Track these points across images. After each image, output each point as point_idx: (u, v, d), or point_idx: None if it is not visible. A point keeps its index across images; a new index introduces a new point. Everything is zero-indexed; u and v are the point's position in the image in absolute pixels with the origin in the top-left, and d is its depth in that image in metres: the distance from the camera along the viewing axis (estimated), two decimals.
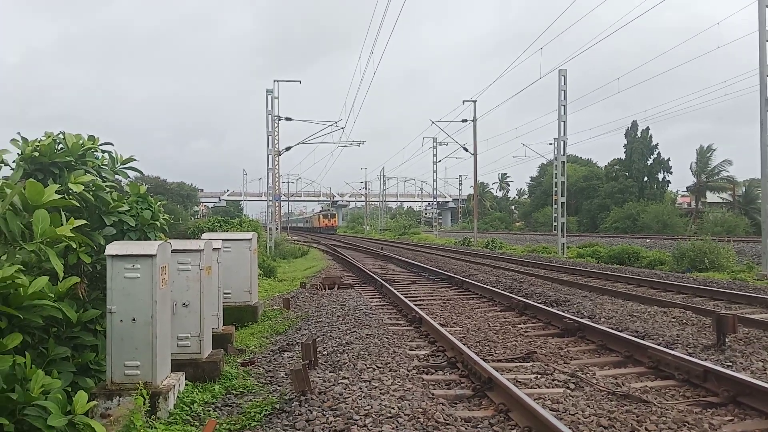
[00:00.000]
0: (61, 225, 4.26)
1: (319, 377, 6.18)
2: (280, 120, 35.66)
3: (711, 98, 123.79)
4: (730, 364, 6.77)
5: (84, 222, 4.67)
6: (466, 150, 45.98)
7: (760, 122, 17.26)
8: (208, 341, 6.98)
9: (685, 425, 4.78)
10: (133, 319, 5.25)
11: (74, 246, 4.84)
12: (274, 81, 34.50)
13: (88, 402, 4.03)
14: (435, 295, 13.98)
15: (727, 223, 51.58)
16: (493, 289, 13.58)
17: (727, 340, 7.78)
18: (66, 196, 5.17)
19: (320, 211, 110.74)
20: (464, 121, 44.59)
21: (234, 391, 6.18)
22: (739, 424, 4.91)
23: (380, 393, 5.53)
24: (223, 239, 9.57)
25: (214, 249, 8.00)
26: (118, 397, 5.10)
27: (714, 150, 69.88)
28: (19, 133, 6.17)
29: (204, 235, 9.98)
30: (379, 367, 6.64)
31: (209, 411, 5.53)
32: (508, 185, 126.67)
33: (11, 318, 3.84)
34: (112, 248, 5.36)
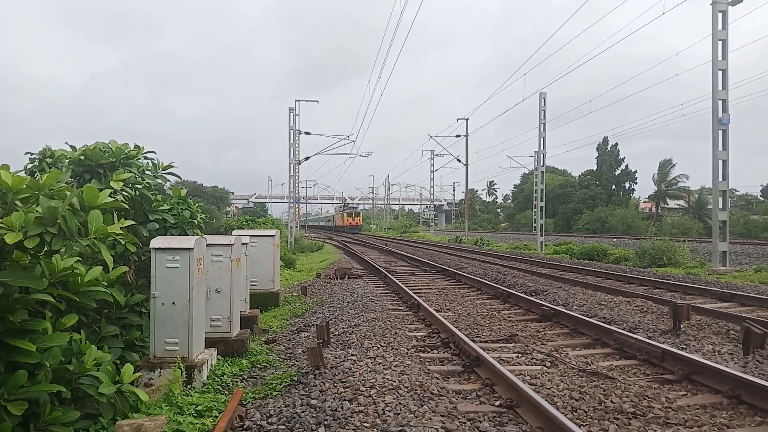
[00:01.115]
0: (113, 224, 4.28)
1: (331, 354, 6.17)
2: (300, 134, 35.66)
3: (671, 118, 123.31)
4: (685, 346, 6.72)
5: (133, 222, 4.69)
6: (459, 161, 45.87)
7: (712, 140, 17.15)
8: (237, 322, 6.99)
9: (645, 399, 4.75)
10: (173, 303, 5.26)
11: (122, 241, 4.86)
12: (296, 100, 34.51)
13: (133, 373, 4.04)
14: (431, 284, 13.94)
15: (683, 226, 51.27)
16: (481, 280, 13.53)
17: (682, 326, 7.73)
18: (117, 199, 5.20)
19: (344, 209, 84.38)
20: (458, 136, 44.56)
21: (258, 365, 6.18)
22: (692, 398, 4.87)
23: (383, 368, 5.52)
24: (250, 235, 9.58)
25: (243, 243, 8.01)
26: (159, 370, 5.11)
27: (674, 164, 69.69)
28: (66, 143, 6.23)
29: (234, 232, 9.99)
30: (383, 346, 6.62)
31: (237, 382, 5.54)
32: (495, 191, 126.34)
33: (69, 301, 3.86)
34: (156, 242, 5.38)
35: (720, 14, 17.24)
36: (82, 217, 4.29)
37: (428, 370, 5.72)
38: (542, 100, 29.46)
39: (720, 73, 17.23)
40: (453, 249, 31.01)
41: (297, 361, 6.21)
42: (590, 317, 8.42)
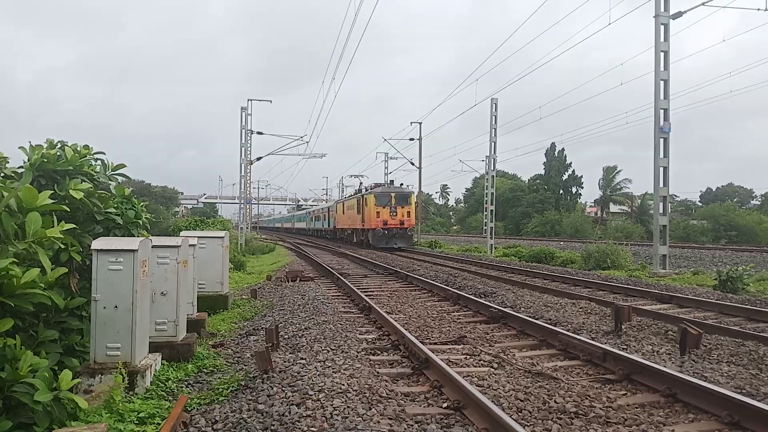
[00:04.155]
0: (53, 227, 4.13)
1: (280, 358, 6.11)
2: (252, 134, 35.24)
3: (617, 126, 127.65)
4: (626, 347, 6.95)
5: (73, 226, 4.52)
6: (413, 164, 45.98)
7: (654, 147, 17.83)
8: (183, 326, 6.83)
9: (587, 398, 4.90)
10: (116, 306, 5.10)
11: (62, 246, 4.69)
12: (248, 100, 34.17)
13: (72, 380, 3.90)
14: (383, 287, 13.98)
15: (626, 230, 53.11)
16: (432, 282, 13.66)
17: (623, 327, 8.00)
18: (66, 201, 5.02)
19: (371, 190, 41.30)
20: (411, 139, 44.59)
21: (205, 370, 6.05)
22: (631, 398, 5.05)
23: (333, 372, 5.50)
24: (199, 237, 9.38)
25: (191, 245, 7.83)
26: (100, 375, 4.94)
27: (618, 170, 72.22)
28: (30, 142, 5.98)
29: (182, 233, 9.79)
30: (333, 349, 6.60)
31: (182, 387, 5.41)
32: (448, 195, 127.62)
33: (3, 305, 3.69)
34: (97, 243, 5.21)
35: (662, 27, 17.95)
36: (20, 219, 4.12)
37: (378, 372, 5.73)
38: (493, 105, 29.99)
39: (662, 83, 17.93)
40: (406, 251, 31.17)
41: (245, 366, 6.12)
42: (537, 319, 8.61)
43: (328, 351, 6.52)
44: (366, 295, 10.95)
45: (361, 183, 47.68)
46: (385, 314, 8.62)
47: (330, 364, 5.80)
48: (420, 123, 43.22)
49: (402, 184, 35.40)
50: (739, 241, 44.31)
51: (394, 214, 32.50)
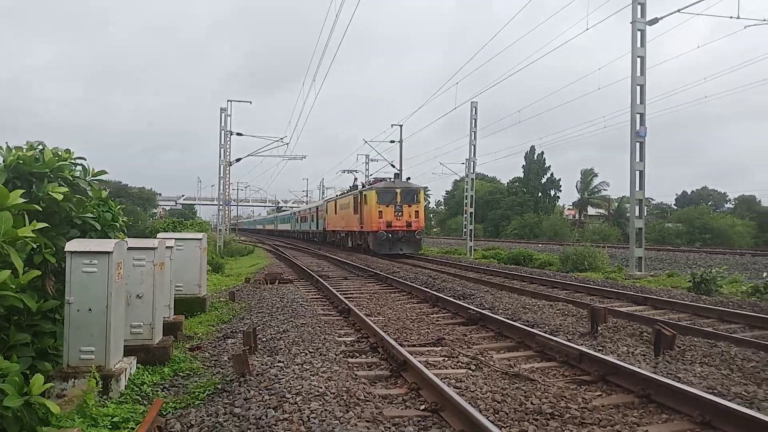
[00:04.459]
0: (24, 227, 4.05)
1: (257, 361, 6.07)
2: (231, 135, 35.03)
3: (595, 130, 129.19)
4: (601, 348, 7.03)
5: (45, 225, 4.44)
6: (393, 166, 45.95)
7: (630, 151, 18.09)
8: (160, 329, 6.74)
9: (563, 399, 4.95)
10: (90, 309, 5.03)
11: (34, 246, 4.60)
12: (228, 101, 34.07)
13: (45, 384, 3.82)
14: (363, 289, 13.97)
15: (603, 233, 53.83)
16: (411, 284, 13.69)
17: (599, 328, 8.09)
18: (40, 203, 4.93)
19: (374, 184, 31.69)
20: (392, 142, 44.64)
21: (181, 374, 5.99)
22: (606, 398, 5.11)
23: (311, 374, 5.48)
24: (176, 238, 9.28)
25: (168, 247, 7.75)
26: (73, 380, 4.86)
27: (595, 174, 73.17)
28: (6, 143, 5.87)
29: (159, 235, 9.69)
30: (311, 352, 6.58)
31: (157, 391, 5.34)
32: (429, 197, 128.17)
33: None
34: (71, 245, 5.13)
35: (639, 33, 18.23)
36: None
37: (356, 375, 5.73)
38: (473, 108, 30.17)
39: (638, 88, 18.20)
40: (387, 254, 31.18)
41: (222, 369, 6.07)
42: (515, 320, 8.67)
43: (306, 354, 6.49)
44: (345, 298, 10.94)
45: (355, 179, 42.18)
46: (364, 316, 8.62)
47: (308, 367, 5.78)
48: (401, 125, 43.28)
49: (409, 179, 29.93)
50: (713, 244, 45.11)
51: (400, 214, 27.27)
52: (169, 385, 5.58)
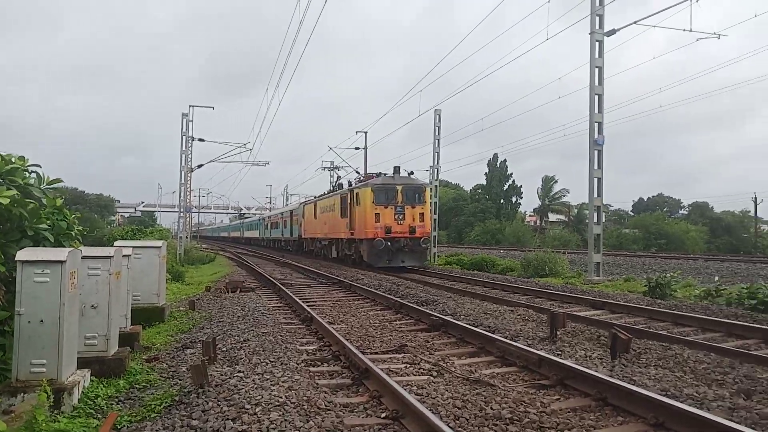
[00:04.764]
0: None
1: (217, 371, 5.97)
2: (193, 140, 34.53)
3: (555, 138, 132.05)
4: (560, 352, 7.15)
5: None
6: (358, 173, 46.17)
7: (589, 159, 18.52)
8: (115, 340, 6.57)
9: (522, 404, 5.01)
10: (41, 321, 4.87)
11: None
12: (189, 106, 33.63)
13: None
14: (326, 297, 13.89)
15: (563, 238, 54.81)
16: (375, 291, 13.69)
17: (558, 333, 8.24)
18: None
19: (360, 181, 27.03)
20: (357, 148, 44.58)
21: (137, 386, 5.84)
22: (564, 402, 5.20)
23: (271, 384, 5.42)
24: (134, 246, 9.11)
25: (125, 255, 7.58)
26: (22, 394, 4.70)
27: (556, 180, 74.62)
28: None
29: (116, 243, 9.48)
30: (272, 362, 6.50)
31: (112, 404, 5.20)
32: None
33: None
34: (22, 254, 4.96)
35: (597, 43, 18.72)
36: None
37: (317, 384, 5.69)
38: (437, 116, 30.44)
39: (596, 97, 18.68)
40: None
41: (180, 380, 5.95)
42: (476, 326, 8.74)
43: (267, 363, 6.42)
44: (308, 306, 10.86)
45: (339, 177, 37.89)
46: (326, 324, 8.57)
47: (268, 377, 5.72)
48: (365, 132, 43.36)
49: (412, 173, 24.51)
50: (668, 249, 46.46)
51: (401, 217, 22.60)
52: (125, 397, 5.44)
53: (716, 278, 16.72)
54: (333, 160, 56.78)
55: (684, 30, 18.83)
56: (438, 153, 30.64)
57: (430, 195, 26.17)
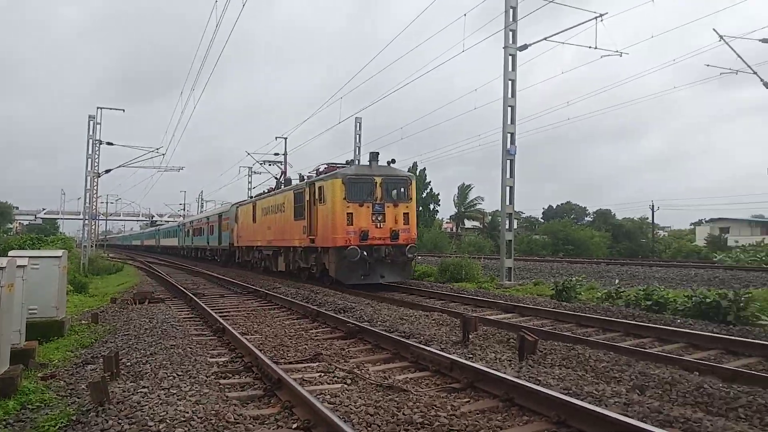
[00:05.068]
0: None
1: (119, 387, 5.65)
2: (101, 144, 32.81)
3: (471, 147, 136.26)
4: (472, 356, 7.30)
5: None
6: (276, 179, 45.53)
7: (501, 168, 19.18)
8: (7, 357, 6.11)
9: (433, 408, 5.08)
10: None
11: None
12: (97, 108, 31.99)
13: None
14: (240, 306, 13.55)
15: (478, 244, 56.50)
16: (292, 300, 13.50)
17: (471, 336, 8.43)
18: None
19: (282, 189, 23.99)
20: (276, 155, 44.00)
21: (30, 406, 5.43)
22: (474, 404, 5.33)
23: (177, 399, 5.20)
24: (30, 256, 8.53)
25: (20, 266, 7.07)
26: None
27: (471, 188, 76.83)
28: None
29: (11, 253, 8.84)
30: (180, 375, 6.24)
31: (0, 428, 4.82)
32: None
33: None
34: None
35: (510, 57, 19.45)
36: None
37: (227, 397, 5.52)
38: (357, 124, 30.64)
39: (509, 109, 19.39)
40: (267, 270, 30.54)
41: (79, 398, 5.59)
42: (392, 332, 8.80)
43: (174, 377, 6.16)
44: (220, 316, 10.54)
45: (283, 173, 30.70)
46: (239, 335, 8.35)
47: (175, 391, 5.48)
48: (285, 138, 42.82)
49: (393, 161, 19.06)
50: (574, 254, 48.89)
51: (381, 218, 17.68)
52: (15, 419, 5.05)
53: (616, 281, 17.71)
54: (251, 166, 55.61)
55: (590, 47, 19.94)
56: (359, 160, 30.75)
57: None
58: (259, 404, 5.47)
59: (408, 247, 18.00)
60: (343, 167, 18.91)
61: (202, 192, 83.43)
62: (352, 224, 17.26)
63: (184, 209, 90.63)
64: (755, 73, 28.54)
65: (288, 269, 22.23)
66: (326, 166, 19.82)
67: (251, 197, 31.57)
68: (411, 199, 18.51)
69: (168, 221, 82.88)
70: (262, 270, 25.89)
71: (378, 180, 17.86)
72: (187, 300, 14.39)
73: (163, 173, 43.92)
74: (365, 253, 17.12)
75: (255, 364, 6.75)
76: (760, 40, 29.04)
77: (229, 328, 9.02)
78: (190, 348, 7.90)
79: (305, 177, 21.47)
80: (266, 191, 27.26)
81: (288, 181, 24.31)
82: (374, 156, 18.67)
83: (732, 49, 26.89)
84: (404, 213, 18.13)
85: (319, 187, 18.45)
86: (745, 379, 6.15)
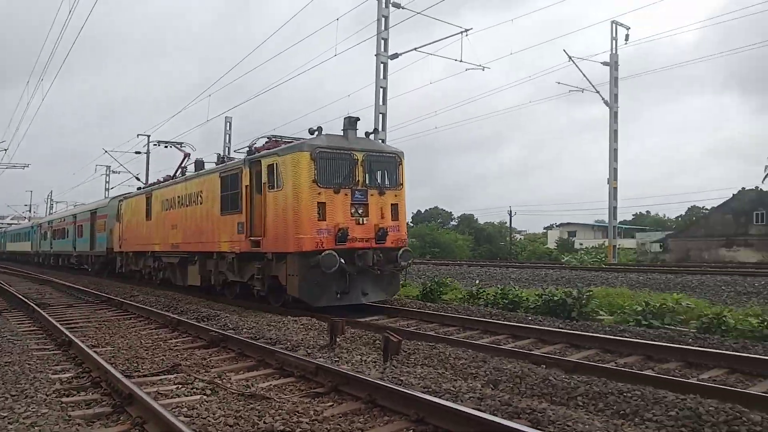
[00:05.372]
0: None
1: None
2: None
3: None
4: (338, 359, 7.27)
5: None
6: (138, 179, 42.84)
7: None
8: None
9: (296, 414, 5.00)
10: None
11: None
12: None
13: None
14: (91, 317, 12.46)
15: None
16: (151, 308, 12.69)
17: (338, 339, 8.42)
18: None
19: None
20: (137, 153, 41.46)
21: None
22: (337, 408, 5.33)
23: (9, 423, 4.65)
24: None
25: None
26: None
27: None
28: None
29: None
30: (14, 396, 5.59)
31: None
32: None
33: None
34: None
35: (382, 65, 19.89)
36: None
37: (69, 416, 5.04)
38: (227, 123, 29.77)
39: (381, 115, 19.82)
40: (126, 277, 28.54)
41: None
42: (257, 339, 8.59)
43: (8, 398, 5.50)
44: (67, 328, 9.62)
45: (186, 157, 20.46)
46: (87, 348, 7.68)
47: (6, 414, 4.90)
48: (148, 136, 40.36)
49: (376, 130, 16.80)
50: (440, 256, 51.02)
51: (363, 210, 12.65)
52: None
53: (477, 282, 18.67)
54: (110, 165, 51.76)
55: (456, 60, 20.94)
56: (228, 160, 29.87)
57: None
58: (107, 422, 5.06)
59: (401, 251, 12.99)
60: (312, 137, 12.61)
61: (51, 192, 76.18)
62: (324, 219, 12.01)
63: (30, 211, 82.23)
64: (597, 92, 31.71)
65: (205, 283, 16.42)
66: (268, 139, 14.43)
67: (146, 184, 25.61)
68: (401, 185, 13.50)
69: (12, 224, 73.76)
70: (158, 283, 20.06)
71: (359, 156, 12.67)
72: (29, 311, 13.01)
73: (5, 171, 39.63)
74: (342, 261, 11.83)
75: (104, 378, 6.24)
76: (601, 63, 32.30)
77: (76, 340, 8.27)
78: (29, 365, 7.12)
79: (224, 158, 16.91)
80: (169, 177, 20.60)
81: (200, 165, 18.32)
82: (352, 123, 13.23)
83: (579, 69, 29.65)
84: (392, 204, 13.19)
85: (270, 166, 12.73)
86: (585, 369, 6.74)
